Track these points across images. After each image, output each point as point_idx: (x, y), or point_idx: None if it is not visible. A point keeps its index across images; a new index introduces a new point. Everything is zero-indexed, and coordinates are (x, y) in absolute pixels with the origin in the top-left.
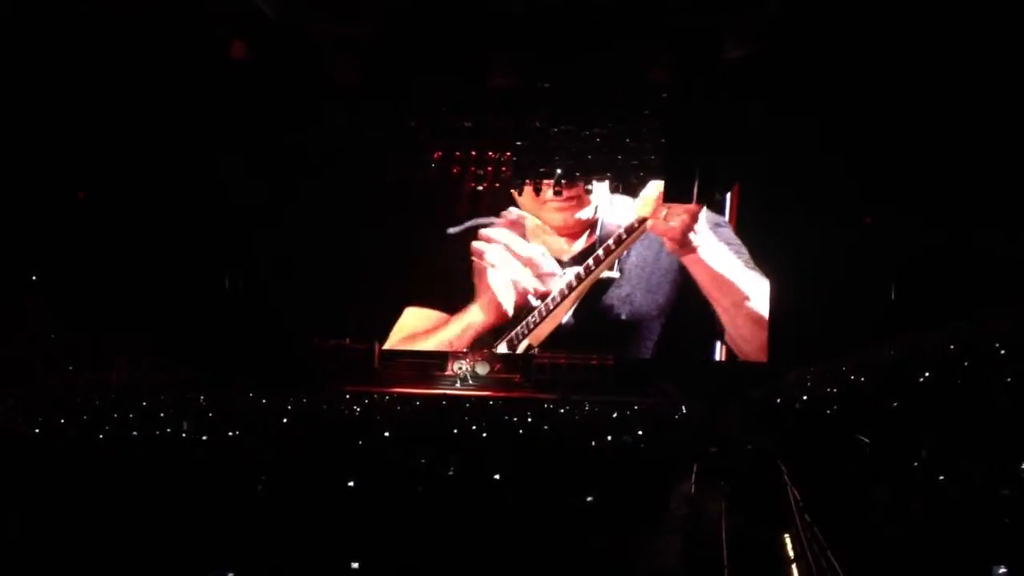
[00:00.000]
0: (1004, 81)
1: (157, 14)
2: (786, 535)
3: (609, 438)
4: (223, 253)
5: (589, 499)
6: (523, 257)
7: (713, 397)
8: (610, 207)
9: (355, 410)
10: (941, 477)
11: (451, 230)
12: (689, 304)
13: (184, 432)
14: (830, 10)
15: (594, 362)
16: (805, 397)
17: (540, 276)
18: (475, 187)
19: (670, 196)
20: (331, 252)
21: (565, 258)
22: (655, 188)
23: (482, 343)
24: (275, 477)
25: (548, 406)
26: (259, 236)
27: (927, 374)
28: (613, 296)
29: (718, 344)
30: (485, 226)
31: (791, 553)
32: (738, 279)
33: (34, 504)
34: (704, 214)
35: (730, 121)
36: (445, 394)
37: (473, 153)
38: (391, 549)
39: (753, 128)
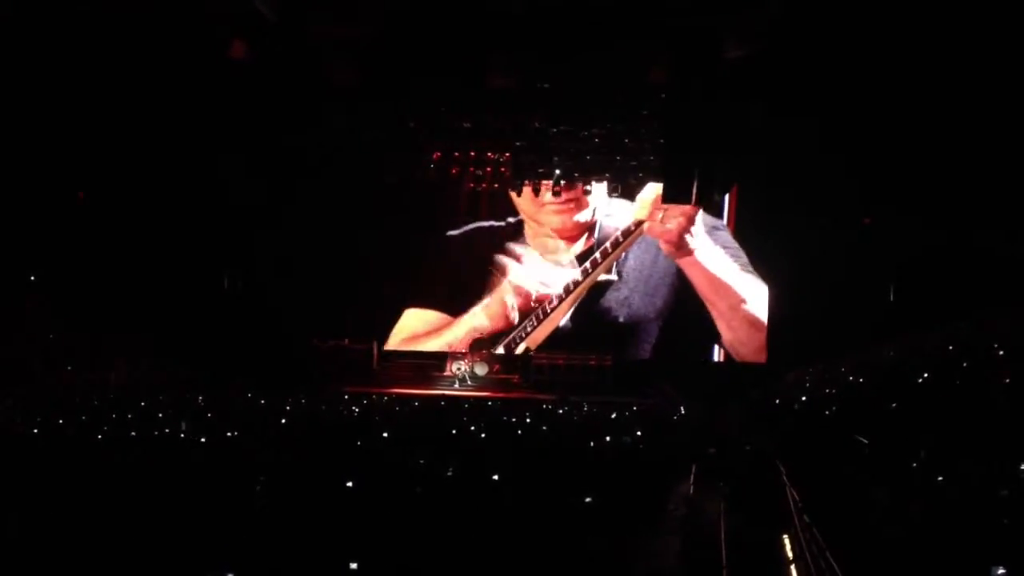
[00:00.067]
0: (1004, 81)
1: (157, 14)
2: (785, 536)
3: (608, 439)
4: (222, 253)
5: (588, 500)
6: (536, 275)
7: (712, 398)
8: (608, 210)
9: (354, 410)
10: (940, 478)
11: (451, 232)
12: (687, 306)
13: (183, 432)
14: (830, 10)
15: (593, 363)
16: (804, 398)
17: (543, 282)
18: (474, 188)
19: (669, 197)
20: (330, 252)
21: (564, 261)
22: (652, 191)
23: (481, 344)
24: (274, 477)
25: (547, 407)
26: (258, 236)
27: (926, 375)
28: (611, 299)
29: (716, 345)
30: (484, 229)
31: (790, 554)
32: (734, 282)
33: (34, 504)
34: (701, 217)
35: (729, 122)
36: (444, 395)
37: (472, 154)
38: (390, 549)
39: (752, 129)
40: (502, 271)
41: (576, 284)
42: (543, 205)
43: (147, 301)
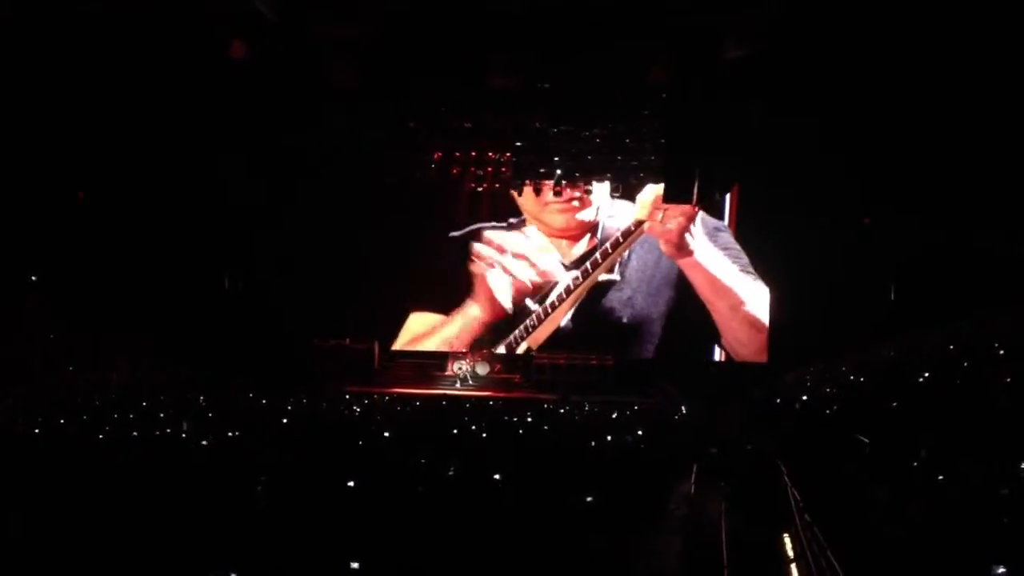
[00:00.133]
0: (1004, 81)
1: (157, 14)
2: (786, 535)
3: (609, 438)
4: (223, 253)
5: (589, 499)
6: (521, 254)
7: (713, 397)
8: (611, 210)
9: (355, 410)
10: (940, 477)
11: (453, 234)
12: (689, 306)
13: (184, 432)
14: (830, 10)
15: (594, 362)
16: (805, 397)
17: (539, 272)
18: (475, 188)
19: (670, 197)
20: (331, 252)
21: (566, 261)
22: (651, 192)
23: (482, 343)
24: (275, 477)
25: (548, 406)
26: (259, 236)
27: (926, 374)
28: (613, 299)
29: (717, 345)
30: (485, 230)
31: (791, 553)
32: (735, 284)
33: (34, 504)
34: (702, 219)
35: (730, 122)
36: (445, 394)
37: (473, 154)
38: (391, 549)
39: (753, 129)
40: (480, 257)
41: (577, 284)
42: (546, 204)
43: (148, 301)
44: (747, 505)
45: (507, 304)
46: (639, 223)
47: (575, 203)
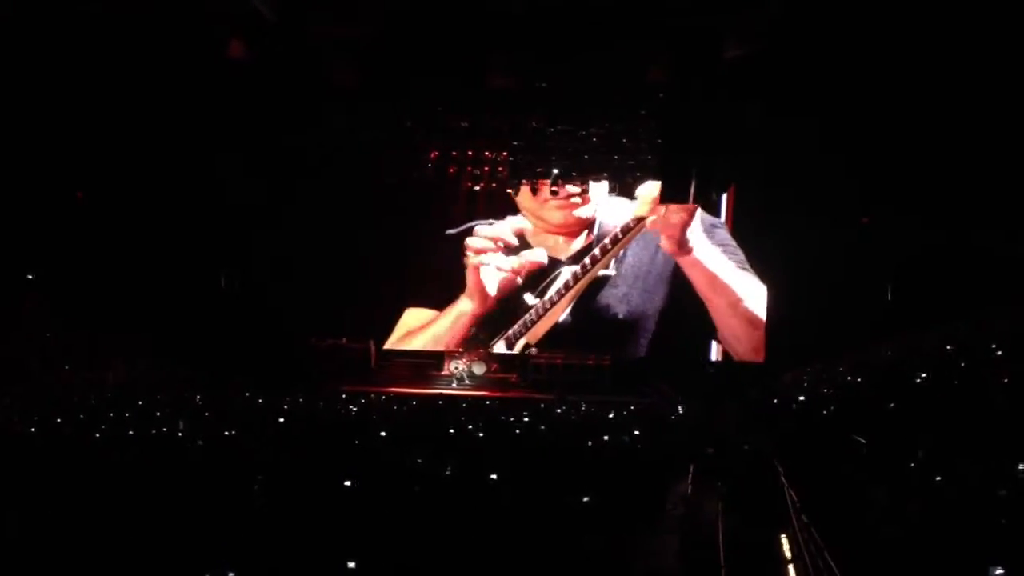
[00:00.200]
0: (1003, 81)
1: (156, 14)
2: (783, 535)
3: (606, 438)
4: (220, 253)
5: (586, 499)
6: (494, 236)
7: (710, 397)
8: (609, 206)
9: (352, 410)
10: (938, 477)
11: (450, 231)
12: (686, 304)
13: (180, 432)
14: (830, 10)
15: (591, 362)
16: (802, 397)
17: (527, 263)
18: (472, 187)
19: (667, 196)
20: (328, 252)
21: (563, 257)
22: (653, 187)
23: (478, 342)
24: (272, 477)
25: (544, 406)
26: (257, 236)
27: (924, 375)
28: (610, 295)
29: (715, 344)
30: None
31: (788, 553)
32: (732, 280)
33: (32, 503)
34: (700, 215)
35: (728, 121)
36: (442, 394)
37: (470, 153)
38: (388, 549)
39: (751, 128)
40: (471, 249)
41: (577, 279)
42: (545, 201)
43: (145, 300)
44: (744, 505)
45: (493, 291)
46: (639, 219)
47: (574, 199)
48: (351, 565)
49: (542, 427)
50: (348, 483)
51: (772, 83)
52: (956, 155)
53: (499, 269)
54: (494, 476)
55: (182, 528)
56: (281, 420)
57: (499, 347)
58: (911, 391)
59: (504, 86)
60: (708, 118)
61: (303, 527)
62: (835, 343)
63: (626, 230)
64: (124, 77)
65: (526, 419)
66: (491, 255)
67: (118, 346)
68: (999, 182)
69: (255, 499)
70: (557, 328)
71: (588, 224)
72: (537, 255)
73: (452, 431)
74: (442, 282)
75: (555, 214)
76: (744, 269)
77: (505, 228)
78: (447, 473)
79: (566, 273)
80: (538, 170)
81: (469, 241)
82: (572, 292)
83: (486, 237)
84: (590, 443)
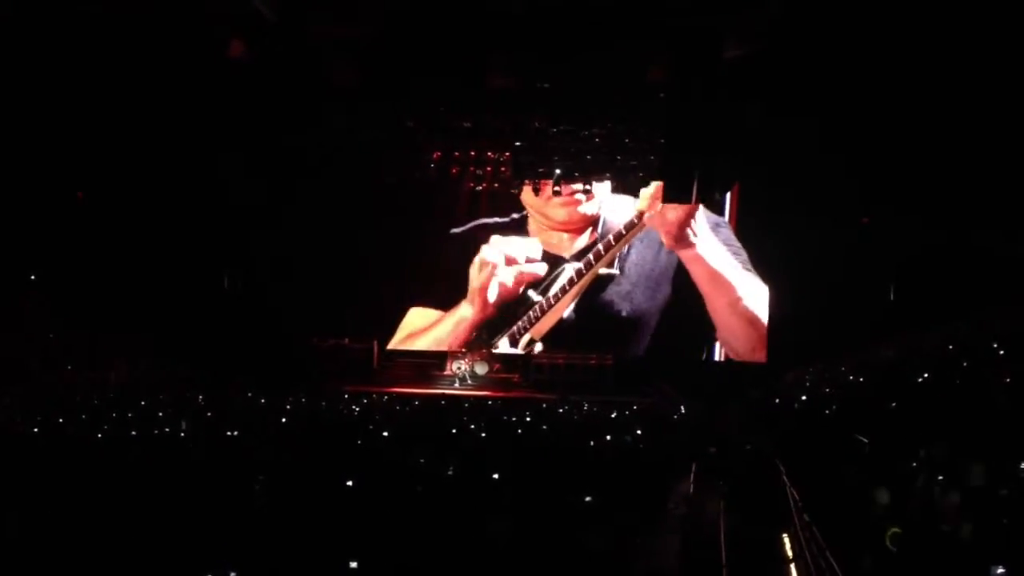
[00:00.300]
0: (1004, 81)
1: (157, 14)
2: (784, 535)
3: (608, 438)
4: (222, 253)
5: (588, 499)
6: (511, 257)
7: (712, 397)
8: (613, 203)
9: (354, 410)
10: (940, 477)
11: (455, 230)
12: (689, 303)
13: (183, 432)
14: (830, 10)
15: (593, 362)
16: (804, 397)
17: (531, 268)
18: (474, 187)
19: (669, 196)
20: (330, 252)
21: (567, 254)
22: (655, 183)
23: (481, 341)
24: (274, 477)
25: (546, 406)
26: (258, 236)
27: (926, 374)
28: (613, 293)
29: (717, 344)
30: (488, 226)
31: (789, 553)
32: (734, 278)
33: (33, 503)
34: (704, 213)
35: (729, 121)
36: (444, 394)
37: (472, 153)
38: (390, 549)
39: (752, 128)
40: (486, 263)
41: (580, 276)
42: (549, 198)
43: (147, 300)
44: (746, 505)
45: (493, 298)
46: (641, 215)
47: (578, 196)
48: (353, 565)
49: (544, 427)
50: (350, 483)
51: (772, 83)
52: (956, 155)
53: (502, 284)
54: (496, 476)
55: (184, 528)
56: (283, 420)
57: (503, 344)
58: (912, 391)
59: (504, 86)
60: (709, 119)
61: (305, 527)
62: (837, 343)
63: (629, 227)
64: (125, 77)
65: (528, 419)
66: (492, 262)
67: (120, 346)
68: (999, 182)
69: (257, 499)
70: (561, 325)
71: (592, 221)
72: (537, 267)
73: (454, 431)
74: (447, 281)
75: (559, 211)
76: (747, 269)
77: (521, 248)
78: (449, 473)
79: (569, 270)
80: (540, 170)
81: (485, 253)
82: (575, 289)
83: (505, 255)
84: (592, 443)
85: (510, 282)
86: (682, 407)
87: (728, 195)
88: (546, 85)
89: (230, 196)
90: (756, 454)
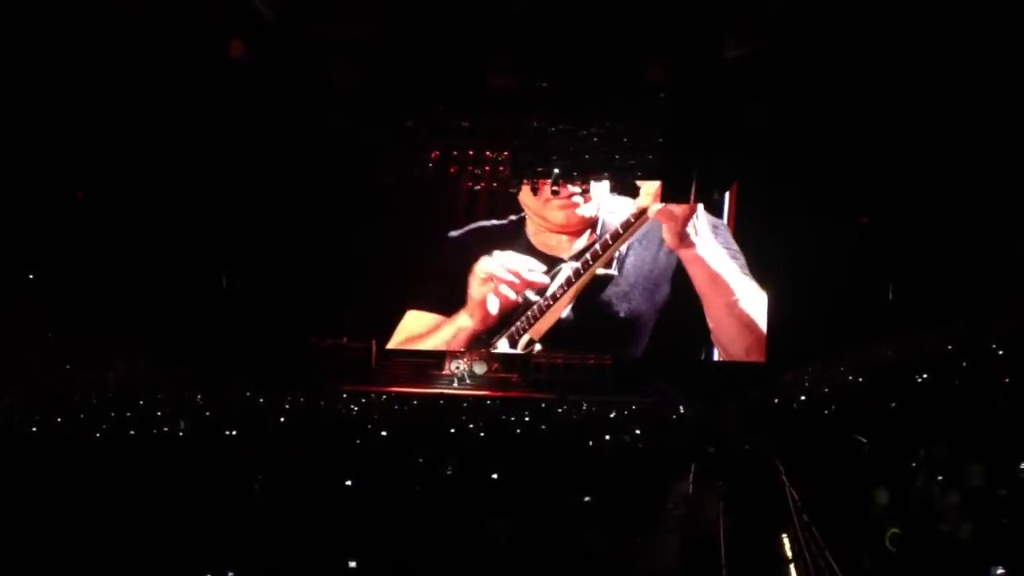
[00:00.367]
0: (1004, 81)
1: (157, 14)
2: (784, 535)
3: (607, 438)
4: (221, 252)
5: (587, 499)
6: (514, 271)
7: (711, 397)
8: (612, 205)
9: (352, 409)
10: (940, 477)
11: (452, 233)
12: (688, 304)
13: (181, 431)
14: (830, 10)
15: (592, 362)
16: (803, 397)
17: (531, 288)
18: (472, 187)
19: (668, 197)
20: (329, 251)
21: (566, 255)
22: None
23: (480, 341)
24: (272, 476)
25: (544, 406)
26: (257, 236)
27: (925, 375)
28: (612, 294)
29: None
30: (486, 229)
31: (789, 553)
32: (732, 281)
33: (33, 503)
34: (705, 215)
35: (729, 121)
36: (443, 393)
37: (471, 153)
38: (388, 548)
39: (752, 128)
40: (489, 276)
41: (578, 275)
42: (547, 201)
43: (146, 300)
44: (745, 505)
45: (494, 311)
46: (640, 213)
47: (576, 199)
48: (352, 565)
49: (543, 427)
50: (349, 483)
51: (772, 83)
52: (956, 155)
53: (503, 297)
54: (495, 476)
55: (182, 528)
56: (282, 420)
57: (502, 344)
58: (912, 391)
59: (504, 86)
60: (709, 119)
61: (304, 527)
62: (836, 343)
63: (626, 226)
64: (124, 77)
65: (527, 419)
66: (507, 285)
67: (119, 346)
68: (999, 182)
69: (255, 499)
70: (560, 325)
71: (591, 223)
72: (538, 277)
73: (453, 431)
74: (443, 283)
75: (557, 214)
76: (745, 273)
77: (523, 264)
78: (448, 473)
79: (567, 269)
80: (539, 170)
81: (487, 265)
82: (574, 288)
83: (508, 269)
84: (591, 443)
85: (511, 296)
86: (681, 407)
87: (727, 196)
88: (545, 85)
89: (230, 196)
90: (755, 454)
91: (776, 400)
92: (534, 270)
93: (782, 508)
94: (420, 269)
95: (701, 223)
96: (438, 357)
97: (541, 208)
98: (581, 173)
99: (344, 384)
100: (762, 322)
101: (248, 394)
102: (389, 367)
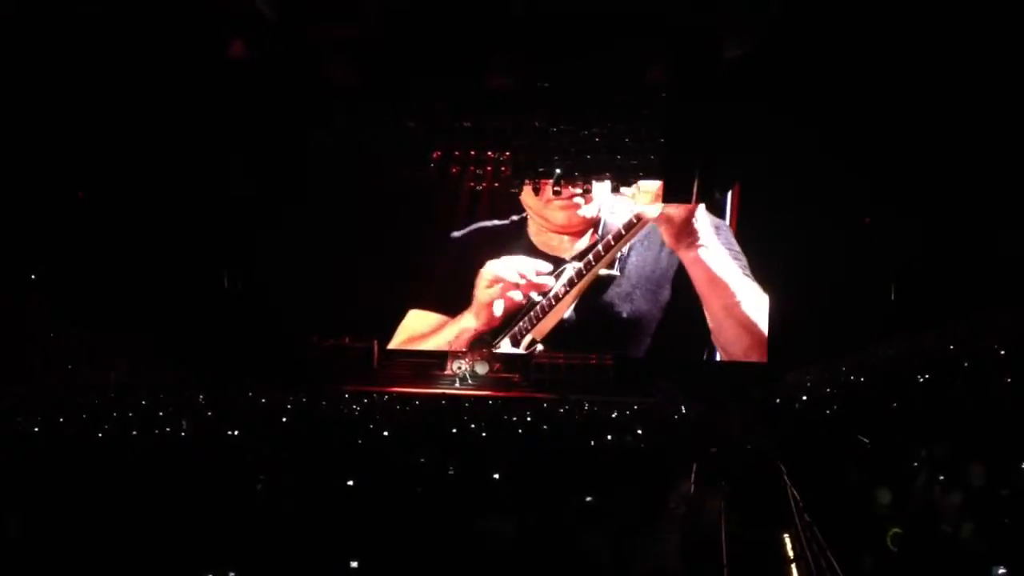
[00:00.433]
0: (1004, 81)
1: (157, 14)
2: (785, 535)
3: (609, 438)
4: (223, 252)
5: (588, 499)
6: (522, 274)
7: (713, 398)
8: (613, 205)
9: (354, 409)
10: (940, 477)
11: (455, 234)
12: (689, 304)
13: (183, 431)
14: (830, 10)
15: (593, 362)
16: (804, 397)
17: (537, 290)
18: (474, 187)
19: (669, 196)
20: (330, 251)
21: (567, 256)
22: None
23: (483, 341)
24: (274, 476)
25: (546, 406)
26: (258, 235)
27: (926, 375)
28: (613, 294)
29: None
30: (488, 229)
31: (790, 553)
32: (732, 282)
33: (34, 503)
34: (707, 215)
35: (729, 121)
36: (444, 393)
37: (472, 153)
38: (390, 548)
39: (752, 128)
40: (497, 279)
41: (580, 276)
42: (549, 201)
43: (147, 300)
44: (747, 505)
45: (499, 314)
46: (640, 215)
47: (577, 199)
48: (354, 565)
49: (545, 427)
50: (351, 483)
51: (772, 83)
52: (958, 156)
53: (509, 299)
54: (496, 476)
55: (184, 528)
56: (284, 420)
57: (504, 344)
58: (913, 391)
59: (504, 86)
60: (709, 118)
61: (305, 527)
62: (838, 343)
63: (629, 227)
64: (125, 77)
65: (529, 419)
66: (515, 290)
67: (121, 346)
68: (1000, 182)
69: (257, 499)
70: (562, 325)
71: (592, 224)
72: (543, 279)
73: (455, 431)
74: (446, 283)
75: (558, 215)
76: (746, 275)
77: (531, 267)
78: (450, 473)
79: (570, 270)
80: (540, 170)
81: (494, 268)
82: (576, 289)
83: (515, 272)
84: (593, 443)
85: (518, 299)
86: (683, 407)
87: (728, 196)
88: (546, 85)
89: (231, 196)
90: (757, 454)
91: (778, 400)
92: (542, 273)
93: (784, 508)
94: (422, 269)
95: (703, 223)
96: (440, 357)
97: (543, 208)
98: (583, 173)
99: (346, 384)
100: (762, 324)
101: (250, 394)
102: (390, 367)
